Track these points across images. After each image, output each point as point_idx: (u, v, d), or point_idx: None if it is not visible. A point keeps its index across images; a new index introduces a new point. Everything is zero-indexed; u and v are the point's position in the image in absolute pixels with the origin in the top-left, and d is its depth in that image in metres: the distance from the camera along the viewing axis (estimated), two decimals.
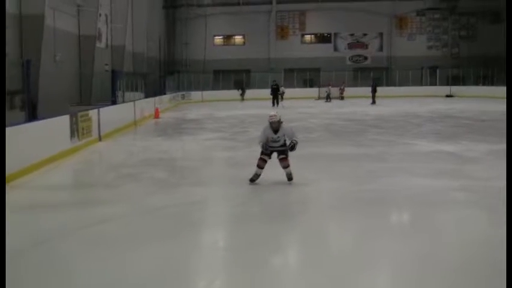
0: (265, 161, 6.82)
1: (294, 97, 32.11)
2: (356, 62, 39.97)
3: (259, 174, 6.81)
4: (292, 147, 6.75)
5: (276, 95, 26.20)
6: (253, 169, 6.89)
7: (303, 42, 39.90)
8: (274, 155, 6.88)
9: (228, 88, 35.91)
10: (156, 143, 11.85)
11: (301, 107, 24.94)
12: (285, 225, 5.09)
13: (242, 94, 33.64)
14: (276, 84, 26.82)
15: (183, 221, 5.19)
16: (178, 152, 10.19)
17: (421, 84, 37.15)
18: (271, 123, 6.79)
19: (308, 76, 37.88)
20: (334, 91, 32.24)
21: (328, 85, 31.49)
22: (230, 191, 6.60)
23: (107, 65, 21.75)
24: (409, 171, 7.61)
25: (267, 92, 28.93)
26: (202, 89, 35.05)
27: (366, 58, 40.00)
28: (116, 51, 22.99)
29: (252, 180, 6.82)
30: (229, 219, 5.40)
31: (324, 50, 39.23)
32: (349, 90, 33.97)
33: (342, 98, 32.30)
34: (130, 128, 15.26)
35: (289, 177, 6.87)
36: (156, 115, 19.42)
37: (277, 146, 6.83)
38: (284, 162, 6.80)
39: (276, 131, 6.79)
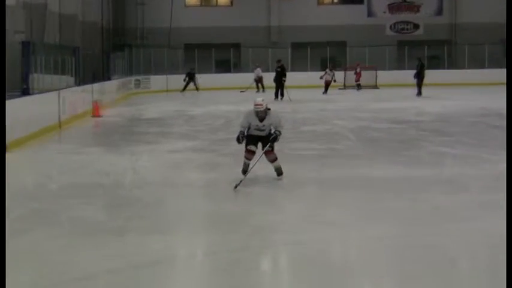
0: (253, 152, 8.64)
1: (306, 85, 31.92)
2: (401, 33, 39.77)
3: (248, 165, 8.64)
4: (274, 139, 8.60)
5: (281, 82, 25.86)
6: (246, 203, 7.75)
7: (320, 3, 39.69)
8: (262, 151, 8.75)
9: (208, 70, 35.68)
10: (92, 157, 11.62)
11: (317, 101, 24.88)
12: None
13: (191, 81, 33.33)
14: (281, 66, 26.53)
15: None
16: (127, 172, 9.97)
17: (501, 66, 36.78)
18: (256, 112, 8.54)
19: (328, 53, 37.58)
20: (345, 76, 32.03)
21: (329, 67, 31.11)
22: (209, 242, 6.22)
23: (22, 32, 21.19)
24: (504, 209, 7.05)
25: (267, 78, 28.66)
26: (168, 73, 34.65)
27: (416, 27, 39.78)
28: (33, 12, 22.44)
29: (244, 171, 8.64)
30: None
31: (352, 15, 39.11)
32: (388, 75, 33.73)
33: (358, 86, 32.64)
34: (53, 132, 15.04)
35: (279, 172, 8.79)
36: (95, 112, 19.28)
37: (262, 136, 8.67)
38: (270, 155, 8.70)
39: (262, 119, 8.57)
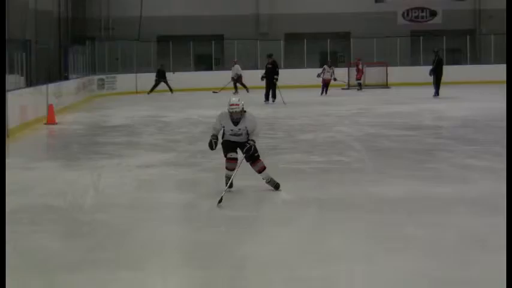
0: (236, 160, 9.03)
1: (302, 85, 32.23)
2: (415, 22, 39.89)
3: (230, 177, 8.96)
4: (248, 152, 8.88)
5: (273, 82, 25.80)
6: (232, 230, 7.65)
7: None
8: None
9: (186, 67, 35.91)
10: (46, 173, 11.54)
11: (316, 104, 25.02)
12: None
13: (161, 81, 33.23)
14: (273, 63, 26.47)
15: None
16: (87, 192, 9.79)
17: None
18: (231, 114, 8.93)
19: (328, 47, 37.70)
20: (342, 75, 32.34)
21: (328, 64, 31.28)
22: (187, 279, 6.13)
23: None
24: None
25: (255, 76, 28.59)
26: (138, 71, 34.55)
27: (433, 14, 39.93)
28: None
29: (230, 185, 9.00)
30: None
31: (357, 2, 39.48)
32: (400, 72, 33.79)
33: (359, 85, 32.97)
34: None
35: (273, 184, 9.17)
36: (50, 119, 19.18)
37: (240, 142, 9.01)
38: (256, 164, 9.08)
39: (236, 122, 8.95)
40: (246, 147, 8.83)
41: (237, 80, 31.96)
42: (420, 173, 10.81)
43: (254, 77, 29.17)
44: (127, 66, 35.44)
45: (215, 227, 7.69)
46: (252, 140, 8.90)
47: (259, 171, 9.07)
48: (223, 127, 9.07)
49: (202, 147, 13.72)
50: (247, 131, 8.96)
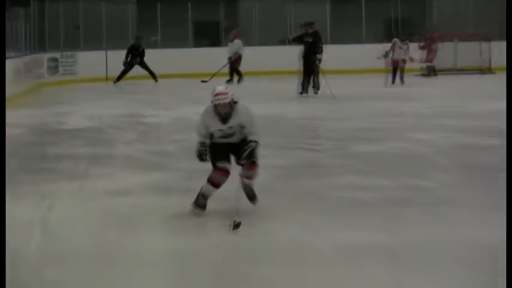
0: (227, 173, 9.69)
1: (358, 69, 32.69)
2: None
3: (208, 197, 9.87)
4: (251, 155, 9.47)
5: (315, 64, 25.83)
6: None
7: None
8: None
9: (181, 41, 36.66)
10: None
11: (379, 98, 25.28)
12: None
13: (134, 63, 33.55)
14: (314, 34, 26.46)
15: None
16: (32, 233, 9.84)
17: None
18: (216, 106, 9.46)
19: (399, 12, 37.73)
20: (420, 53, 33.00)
21: (400, 38, 31.25)
22: None
23: None
24: None
25: (281, 53, 28.56)
26: (108, 47, 35.09)
27: None
28: None
29: (198, 205, 9.89)
30: None
31: None
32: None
33: (429, 70, 33.70)
34: None
35: (252, 195, 9.97)
36: None
37: (234, 143, 9.67)
38: (252, 171, 9.74)
39: (225, 118, 9.52)
40: (246, 151, 9.37)
41: (235, 61, 32.35)
42: None
43: (282, 57, 29.09)
44: (93, 40, 35.59)
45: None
46: (254, 141, 9.47)
47: (248, 177, 9.73)
48: (209, 128, 9.66)
49: (205, 163, 13.75)
50: (241, 128, 9.57)
